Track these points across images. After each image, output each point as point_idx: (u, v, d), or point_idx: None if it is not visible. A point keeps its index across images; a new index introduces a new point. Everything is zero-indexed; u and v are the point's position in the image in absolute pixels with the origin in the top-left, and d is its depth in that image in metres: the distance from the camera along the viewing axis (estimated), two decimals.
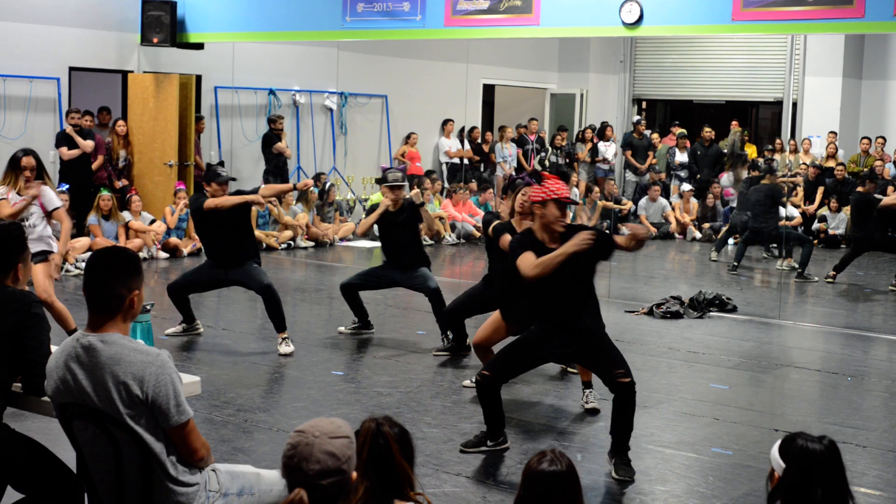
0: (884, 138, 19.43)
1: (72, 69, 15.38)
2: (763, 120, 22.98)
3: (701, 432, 7.37)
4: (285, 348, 9.22)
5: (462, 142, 20.22)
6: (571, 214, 18.84)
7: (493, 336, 8.09)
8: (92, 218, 14.11)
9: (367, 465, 3.35)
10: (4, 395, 4.47)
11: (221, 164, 9.66)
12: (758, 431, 7.38)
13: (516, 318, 7.87)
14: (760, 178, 15.11)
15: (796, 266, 14.62)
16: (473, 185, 18.88)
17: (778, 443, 3.45)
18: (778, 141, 19.75)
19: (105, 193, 14.27)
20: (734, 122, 20.08)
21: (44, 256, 8.64)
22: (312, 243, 16.58)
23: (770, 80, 21.30)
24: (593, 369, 6.55)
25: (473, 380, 7.98)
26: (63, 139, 14.39)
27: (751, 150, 20.01)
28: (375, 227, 9.84)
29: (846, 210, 18.21)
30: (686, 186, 19.51)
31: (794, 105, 19.61)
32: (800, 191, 18.60)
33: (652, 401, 8.07)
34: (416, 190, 9.58)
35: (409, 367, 8.95)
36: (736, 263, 15.00)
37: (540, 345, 6.55)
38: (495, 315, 8.13)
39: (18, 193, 8.49)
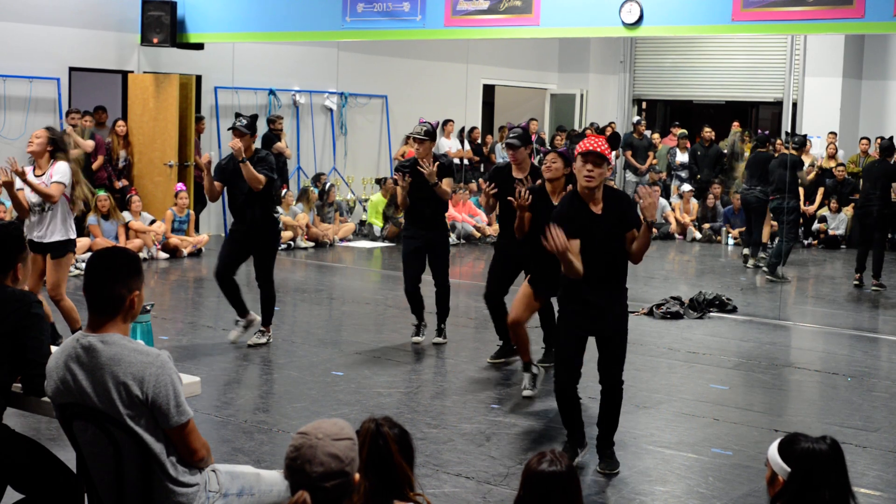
0: (883, 139, 19.42)
1: (72, 69, 15.38)
2: (763, 120, 22.98)
3: (701, 433, 7.37)
4: (256, 339, 9.45)
5: (462, 142, 20.22)
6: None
7: (525, 313, 7.96)
8: (91, 218, 14.11)
9: (367, 465, 3.35)
10: (4, 395, 4.47)
11: (254, 117, 9.61)
12: (758, 432, 7.37)
13: (544, 290, 7.81)
14: (759, 147, 15.15)
15: (760, 265, 14.66)
16: (473, 185, 18.88)
17: (775, 444, 3.44)
18: (778, 141, 19.74)
19: (101, 194, 14.25)
20: (735, 123, 20.09)
21: (62, 251, 8.61)
22: (312, 244, 16.58)
23: (770, 80, 21.32)
24: (602, 353, 6.43)
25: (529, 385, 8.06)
26: None
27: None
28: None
29: (846, 210, 18.22)
30: (686, 187, 19.51)
31: (794, 105, 19.63)
32: (800, 191, 18.58)
33: (652, 401, 8.07)
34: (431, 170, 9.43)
35: (409, 368, 8.95)
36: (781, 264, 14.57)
37: (576, 324, 6.38)
38: (524, 289, 7.97)
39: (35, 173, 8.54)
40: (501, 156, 19.95)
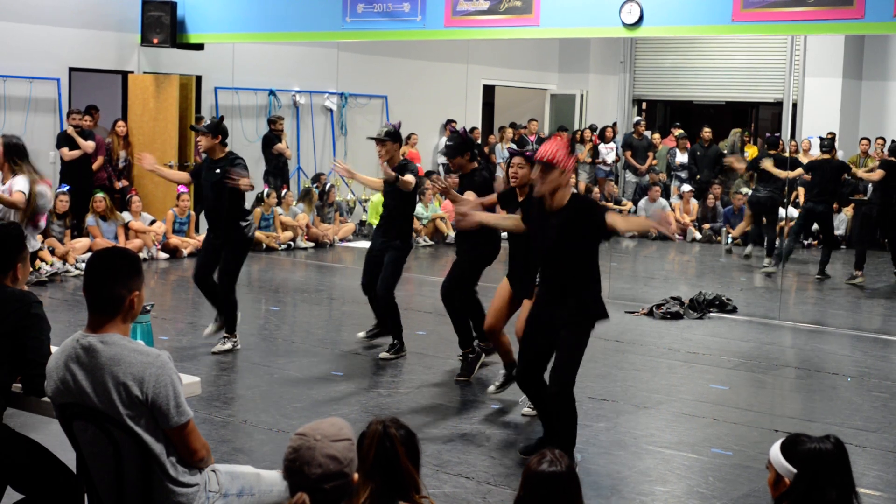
0: (883, 139, 19.42)
1: (72, 70, 15.38)
2: (763, 121, 22.99)
3: (701, 433, 7.37)
4: (221, 346, 9.29)
5: None
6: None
7: (501, 316, 7.76)
8: (90, 219, 14.10)
9: (373, 466, 3.32)
10: (4, 395, 4.47)
11: (221, 118, 9.66)
12: (758, 432, 7.37)
13: (518, 286, 7.65)
14: (772, 149, 15.20)
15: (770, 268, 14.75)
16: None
17: (777, 445, 3.43)
18: (781, 142, 19.74)
19: (98, 195, 14.23)
20: (762, 134, 20.12)
21: None
22: (312, 244, 16.58)
23: (770, 80, 21.32)
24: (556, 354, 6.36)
25: (498, 382, 7.97)
26: (64, 140, 14.39)
27: (751, 151, 20.01)
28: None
29: (847, 211, 18.21)
30: (686, 187, 19.50)
31: (794, 106, 19.61)
32: (801, 190, 18.58)
33: (652, 401, 8.07)
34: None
35: (410, 368, 8.94)
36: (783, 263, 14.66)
37: (542, 318, 6.32)
38: (499, 292, 7.78)
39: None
40: (502, 156, 19.96)
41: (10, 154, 8.09)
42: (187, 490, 4.03)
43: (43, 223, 8.49)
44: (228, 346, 9.30)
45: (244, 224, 9.26)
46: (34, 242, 8.39)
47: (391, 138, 9.19)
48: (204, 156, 9.64)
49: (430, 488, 5.96)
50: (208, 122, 9.26)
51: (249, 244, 9.41)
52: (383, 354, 9.20)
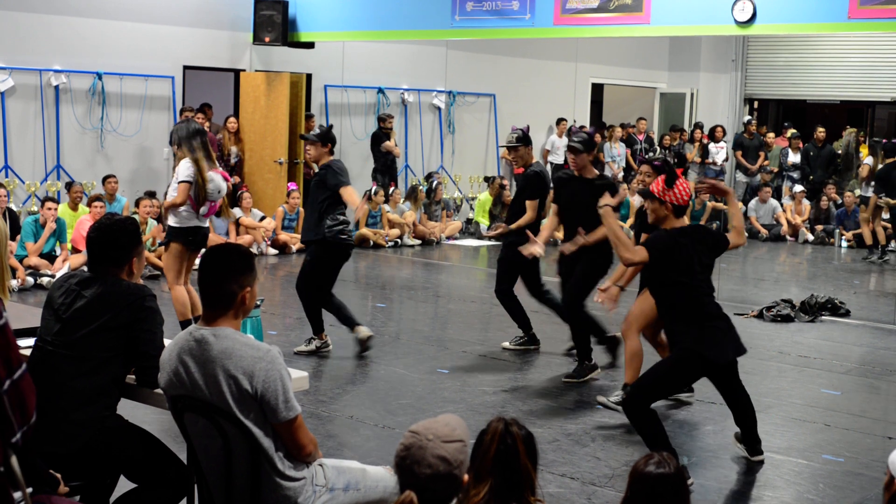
0: None
1: (186, 68, 15.66)
2: (879, 120, 22.46)
3: (811, 438, 7.24)
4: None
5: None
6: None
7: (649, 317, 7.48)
8: None
9: (493, 464, 3.29)
10: (119, 386, 4.56)
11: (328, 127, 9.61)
12: (871, 439, 7.21)
13: None
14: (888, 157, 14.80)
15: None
16: None
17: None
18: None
19: None
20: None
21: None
22: (419, 241, 16.65)
23: (887, 79, 20.83)
24: None
25: (610, 401, 7.73)
26: None
27: (865, 152, 19.58)
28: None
29: None
30: (798, 188, 19.16)
31: None
32: None
33: (761, 405, 7.93)
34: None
35: (515, 367, 8.94)
36: None
37: None
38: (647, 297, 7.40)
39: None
40: (610, 155, 19.84)
41: (177, 140, 8.74)
42: (294, 484, 4.08)
43: (205, 210, 8.77)
44: (312, 346, 9.17)
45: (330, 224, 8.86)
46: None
47: (523, 143, 9.32)
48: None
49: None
50: (317, 130, 8.96)
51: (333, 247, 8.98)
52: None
